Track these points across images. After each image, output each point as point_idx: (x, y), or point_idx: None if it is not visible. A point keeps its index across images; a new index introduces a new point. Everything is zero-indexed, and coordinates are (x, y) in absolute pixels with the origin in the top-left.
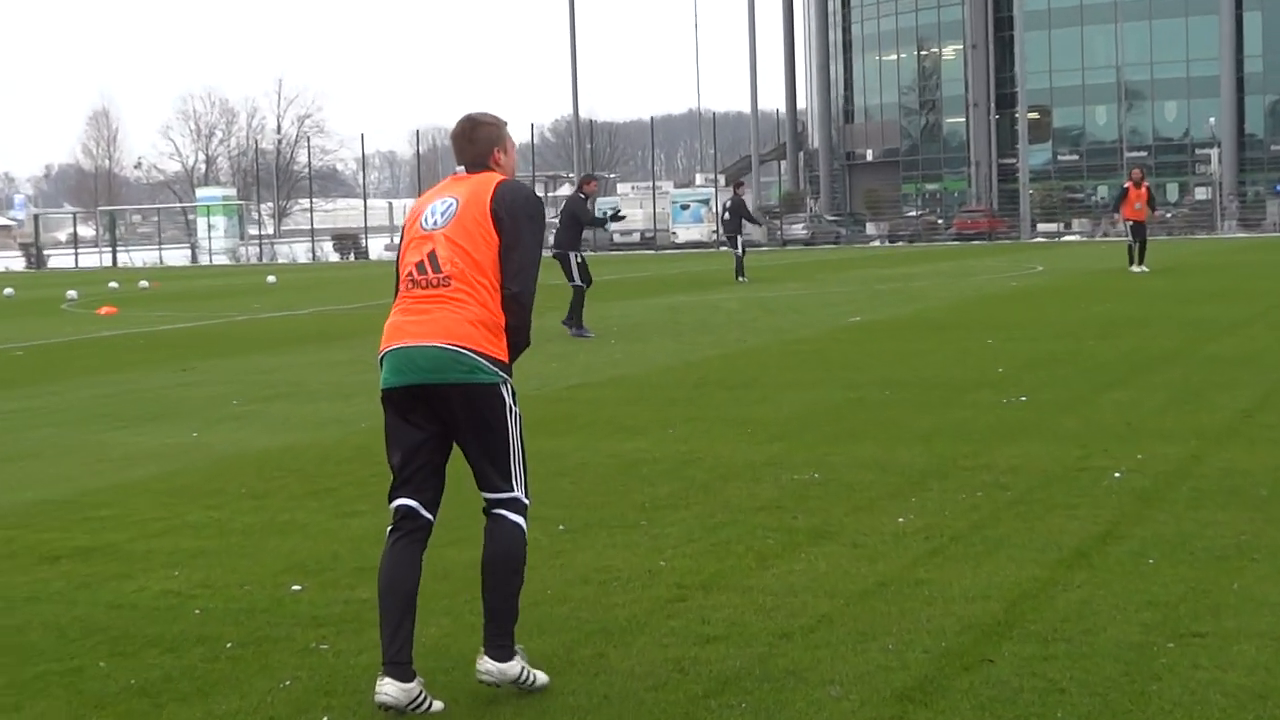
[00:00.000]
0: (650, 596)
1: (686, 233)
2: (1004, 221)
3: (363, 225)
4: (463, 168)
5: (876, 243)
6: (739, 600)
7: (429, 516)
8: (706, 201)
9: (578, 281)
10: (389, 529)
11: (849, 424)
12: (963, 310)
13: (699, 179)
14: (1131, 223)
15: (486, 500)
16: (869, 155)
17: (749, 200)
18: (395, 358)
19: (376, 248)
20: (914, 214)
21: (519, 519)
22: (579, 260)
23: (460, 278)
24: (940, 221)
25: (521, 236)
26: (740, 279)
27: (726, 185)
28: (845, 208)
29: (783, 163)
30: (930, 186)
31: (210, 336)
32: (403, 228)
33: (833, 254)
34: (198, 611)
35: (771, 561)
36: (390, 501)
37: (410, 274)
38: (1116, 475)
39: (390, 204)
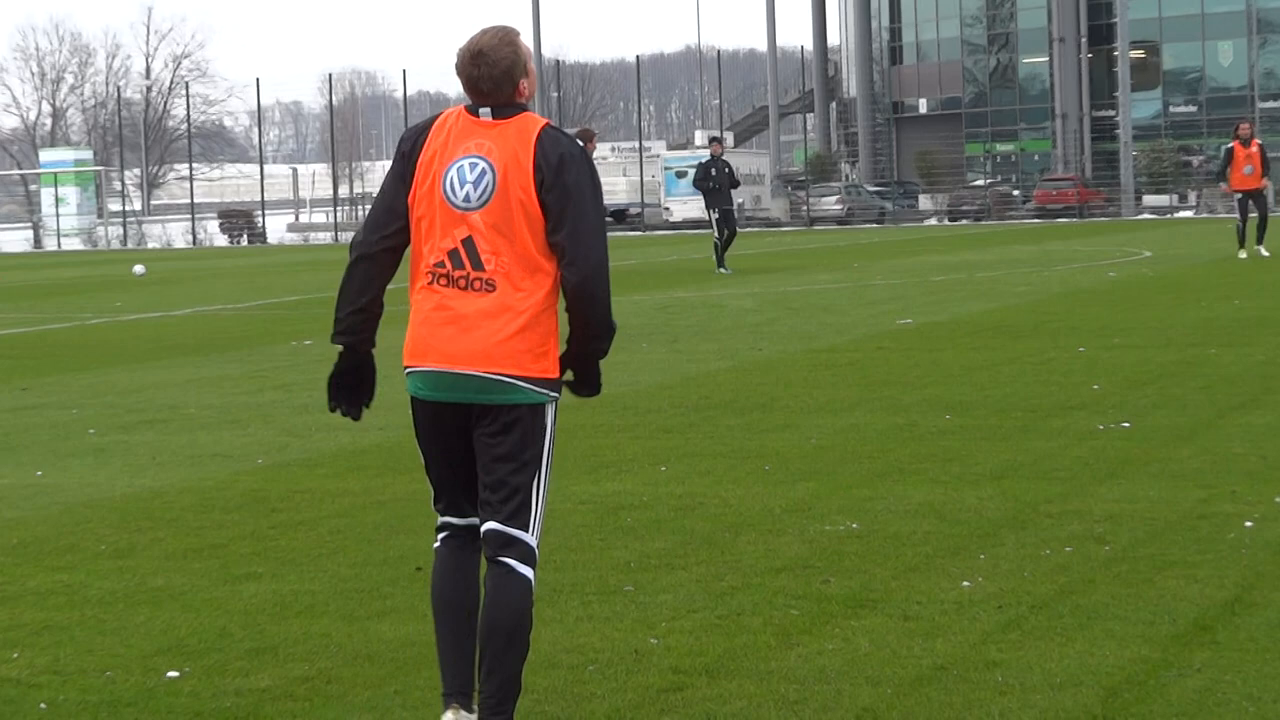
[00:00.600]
0: (638, 685)
1: (684, 208)
2: (1099, 193)
3: (258, 199)
4: (487, 110)
5: (932, 220)
6: (754, 690)
7: (474, 521)
8: None
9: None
10: (438, 539)
11: (896, 458)
12: (1046, 309)
13: (699, 138)
14: (1240, 194)
15: (489, 536)
16: (922, 107)
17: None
18: (426, 379)
19: (277, 228)
20: (981, 183)
21: (528, 572)
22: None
23: (507, 275)
24: (1016, 193)
25: (578, 205)
26: (721, 269)
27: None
28: (891, 175)
29: (809, 117)
30: (1003, 147)
31: (57, 345)
32: (404, 173)
33: (875, 236)
34: (43, 705)
35: (796, 639)
36: (438, 514)
37: (441, 263)
38: (1248, 524)
39: (295, 171)
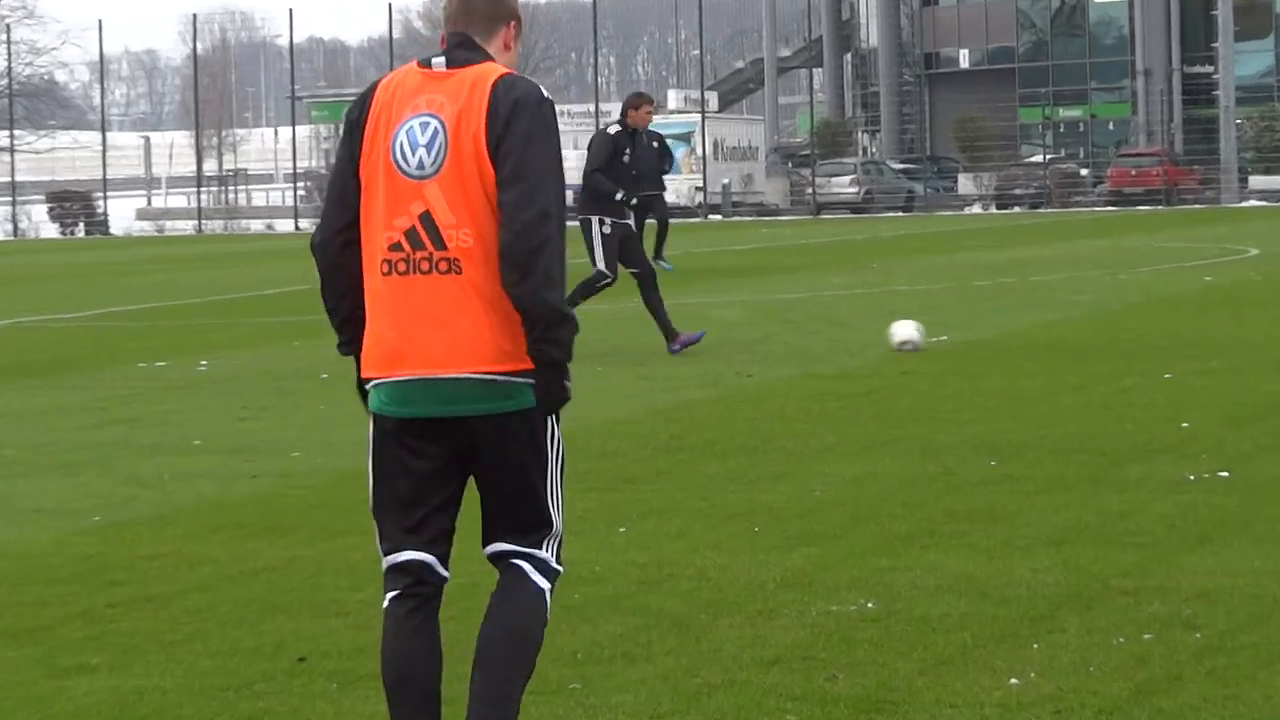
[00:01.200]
0: None
1: None
2: (1192, 172)
3: (99, 177)
4: (441, 58)
5: (975, 208)
6: None
7: (443, 574)
8: (688, 137)
9: (601, 265)
10: (388, 596)
11: (926, 517)
12: (1121, 323)
13: (673, 98)
14: None
15: (497, 555)
16: (963, 60)
17: (702, 139)
18: (404, 392)
19: (123, 215)
20: (1039, 159)
21: (544, 583)
22: (604, 230)
23: (470, 254)
24: (1084, 172)
25: (528, 155)
26: (660, 261)
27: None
28: (923, 149)
29: (816, 73)
30: (1068, 113)
31: None
32: (352, 148)
33: (901, 227)
34: None
35: None
36: (387, 556)
37: (397, 245)
38: None
39: (147, 141)
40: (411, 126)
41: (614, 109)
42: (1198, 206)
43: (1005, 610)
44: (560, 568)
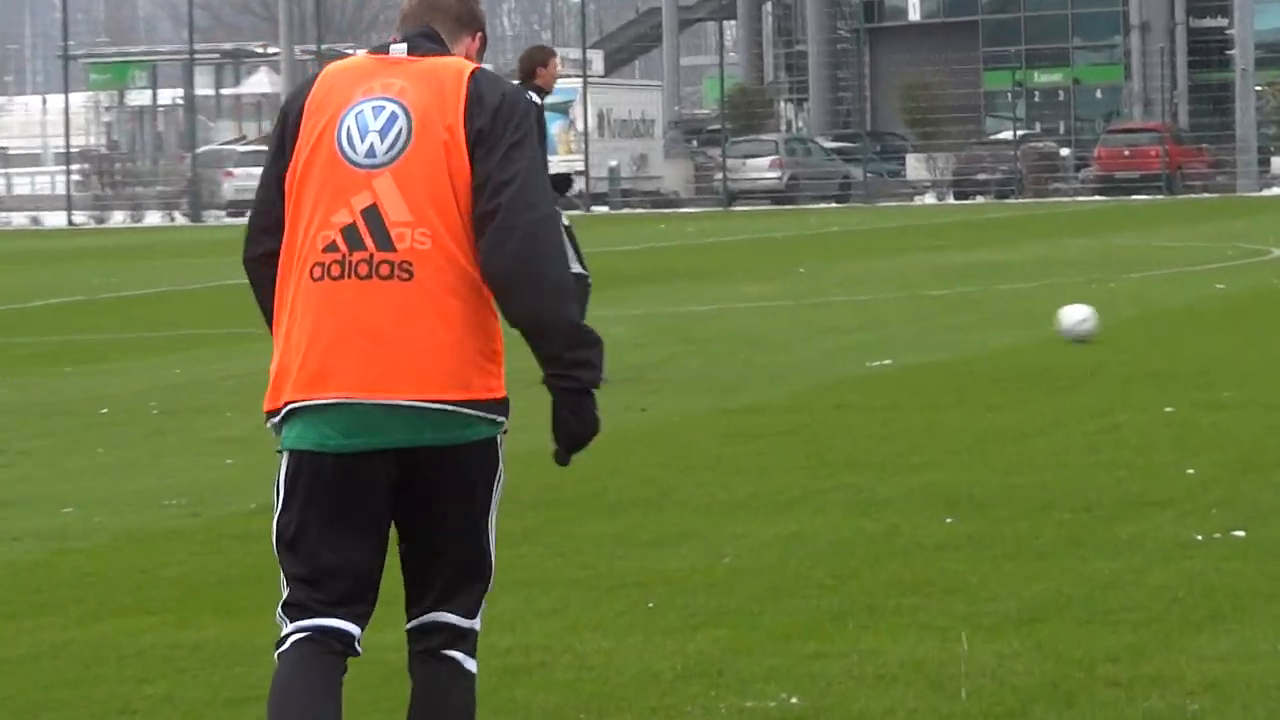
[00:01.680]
0: None
1: None
2: (1200, 152)
3: None
4: (402, 45)
5: (928, 197)
6: None
7: (359, 650)
8: (565, 108)
9: (571, 265)
10: (291, 639)
11: (865, 589)
12: (1111, 344)
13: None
14: None
15: (430, 628)
16: (913, 12)
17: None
18: (330, 420)
19: None
20: (1008, 136)
21: (472, 665)
22: (564, 221)
23: (428, 258)
24: (1065, 152)
25: (524, 164)
26: None
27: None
28: (862, 123)
29: (728, 26)
30: (1045, 78)
31: None
32: (282, 147)
33: (835, 221)
34: None
35: None
36: (294, 620)
37: (333, 245)
38: None
39: None
40: (361, 110)
41: None
42: (1207, 196)
43: (964, 707)
44: (480, 629)
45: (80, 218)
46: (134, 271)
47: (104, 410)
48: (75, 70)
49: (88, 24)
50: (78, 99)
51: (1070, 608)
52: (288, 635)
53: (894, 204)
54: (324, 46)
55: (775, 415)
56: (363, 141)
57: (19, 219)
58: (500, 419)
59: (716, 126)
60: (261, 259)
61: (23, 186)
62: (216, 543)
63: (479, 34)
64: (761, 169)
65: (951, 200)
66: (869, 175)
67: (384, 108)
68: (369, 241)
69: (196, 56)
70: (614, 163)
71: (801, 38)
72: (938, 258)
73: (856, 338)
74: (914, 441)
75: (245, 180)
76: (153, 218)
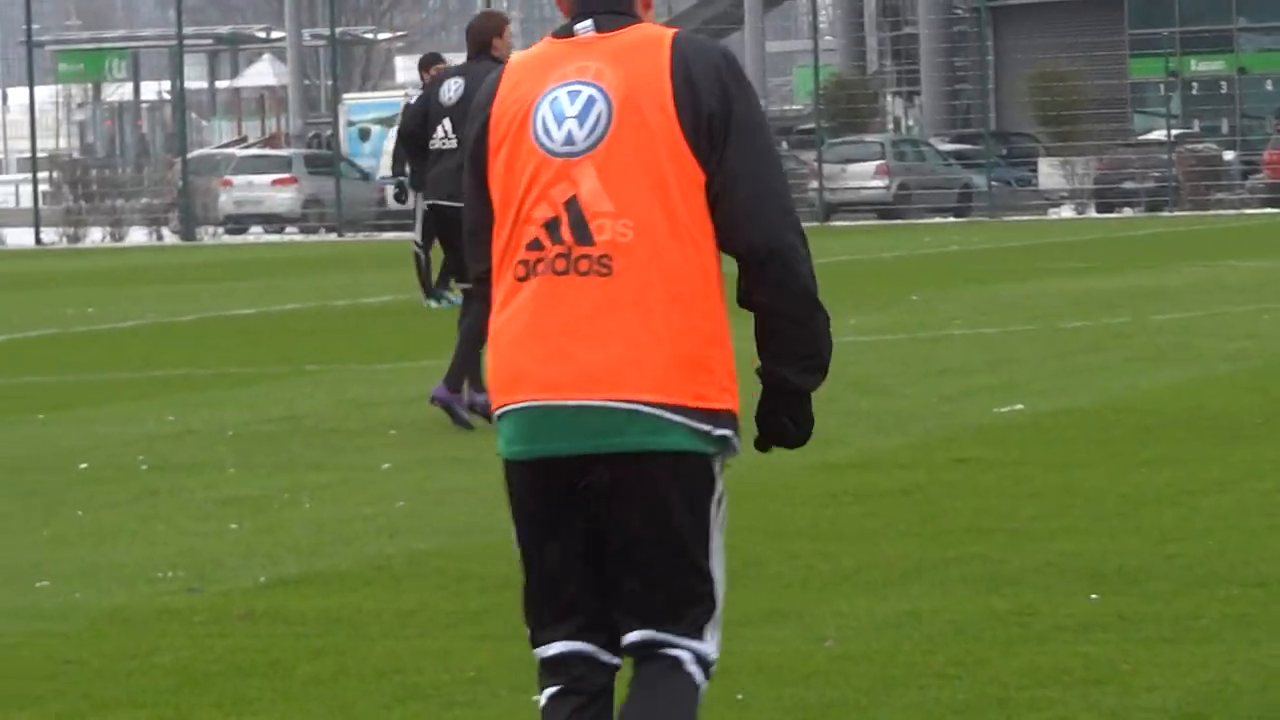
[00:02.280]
0: None
1: None
2: None
3: None
4: (587, 21)
5: (1065, 210)
6: None
7: (611, 662)
8: None
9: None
10: (545, 693)
11: (994, 678)
12: None
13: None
14: None
15: (638, 645)
16: None
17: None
18: (525, 421)
19: None
20: (1159, 136)
21: (701, 678)
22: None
23: (631, 253)
24: (1229, 156)
25: (753, 141)
26: (433, 299)
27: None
28: (985, 121)
29: (826, 4)
30: (1205, 66)
31: None
32: (476, 146)
33: (954, 237)
34: None
35: None
36: (536, 648)
37: (535, 242)
38: None
39: None
40: (556, 97)
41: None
42: None
43: None
44: (716, 657)
45: (50, 235)
46: (115, 300)
47: (83, 465)
48: (41, 59)
49: (55, 4)
50: (44, 94)
51: (1240, 701)
52: (541, 687)
53: (1024, 218)
54: (339, 31)
55: (885, 472)
56: (560, 129)
57: None
58: (707, 429)
59: (810, 125)
60: (486, 277)
61: None
62: (219, 623)
63: None
64: (865, 176)
65: (1093, 214)
66: (994, 184)
67: (580, 92)
68: (567, 236)
69: (186, 43)
70: None
71: (912, 18)
72: (1077, 283)
73: (981, 379)
74: (1050, 504)
75: (247, 191)
76: (136, 235)
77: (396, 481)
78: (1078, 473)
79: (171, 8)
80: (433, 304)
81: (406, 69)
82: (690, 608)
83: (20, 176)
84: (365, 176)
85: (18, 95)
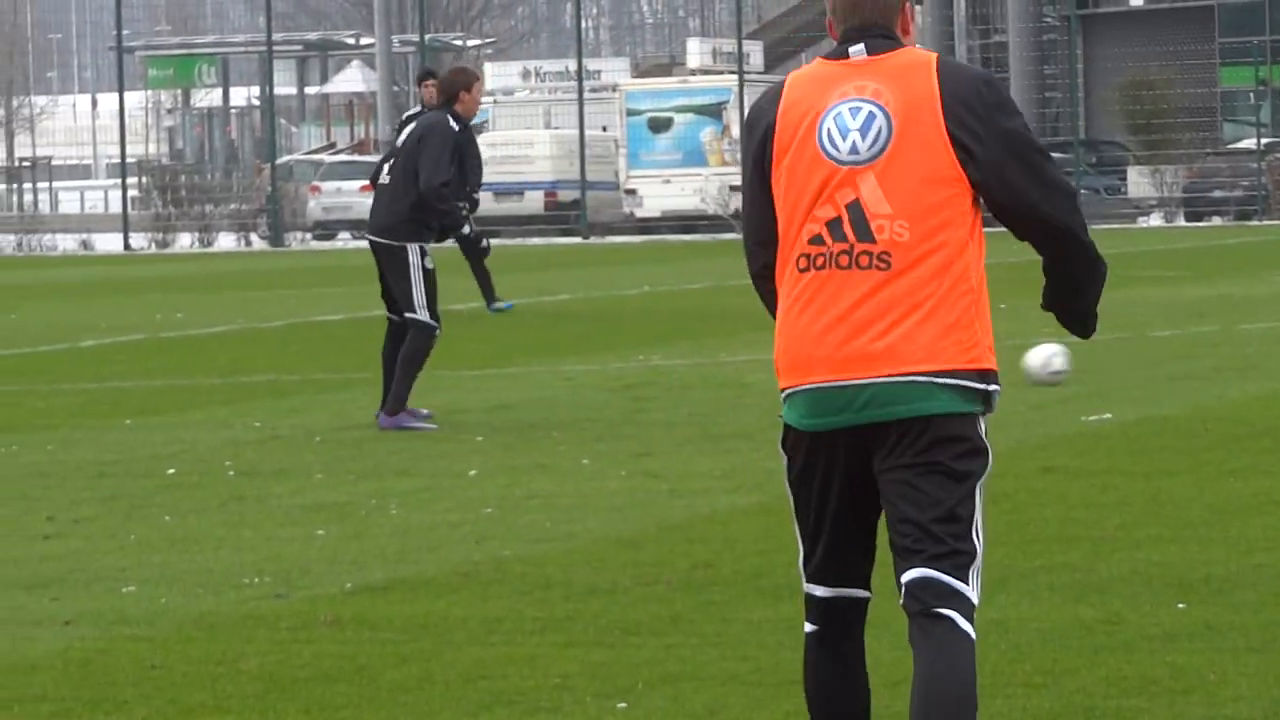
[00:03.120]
0: None
1: (665, 193)
2: None
3: None
4: (860, 45)
5: (1154, 218)
6: None
7: (862, 596)
8: (718, 110)
9: (423, 313)
10: (807, 626)
11: (1081, 688)
12: None
13: (695, 51)
14: None
15: (915, 585)
16: None
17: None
18: (816, 399)
19: None
20: (1250, 145)
21: (969, 628)
22: (427, 264)
23: (905, 251)
24: None
25: (1029, 153)
26: (495, 305)
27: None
28: (1074, 128)
29: (916, 11)
30: None
31: None
32: (757, 152)
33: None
34: None
35: None
36: (806, 583)
37: (818, 238)
38: None
39: None
40: (840, 112)
41: (607, 66)
42: None
43: None
44: (978, 601)
45: (139, 240)
46: (203, 305)
47: (170, 471)
48: (131, 65)
49: (146, 10)
50: (134, 99)
51: None
52: (806, 618)
53: (1113, 226)
54: (428, 38)
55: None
56: (844, 140)
57: (66, 242)
58: (975, 386)
59: None
60: (763, 273)
61: (70, 203)
62: (306, 629)
63: (906, 3)
64: None
65: (1182, 222)
66: (1083, 192)
67: (861, 109)
68: (850, 233)
69: (275, 49)
70: None
71: (1001, 26)
72: (1166, 291)
73: (1069, 388)
74: (1138, 513)
75: (335, 197)
76: (225, 241)
77: (482, 488)
78: (1165, 482)
79: (261, 14)
80: (500, 305)
81: (495, 76)
82: (958, 556)
83: (110, 182)
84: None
85: (108, 101)
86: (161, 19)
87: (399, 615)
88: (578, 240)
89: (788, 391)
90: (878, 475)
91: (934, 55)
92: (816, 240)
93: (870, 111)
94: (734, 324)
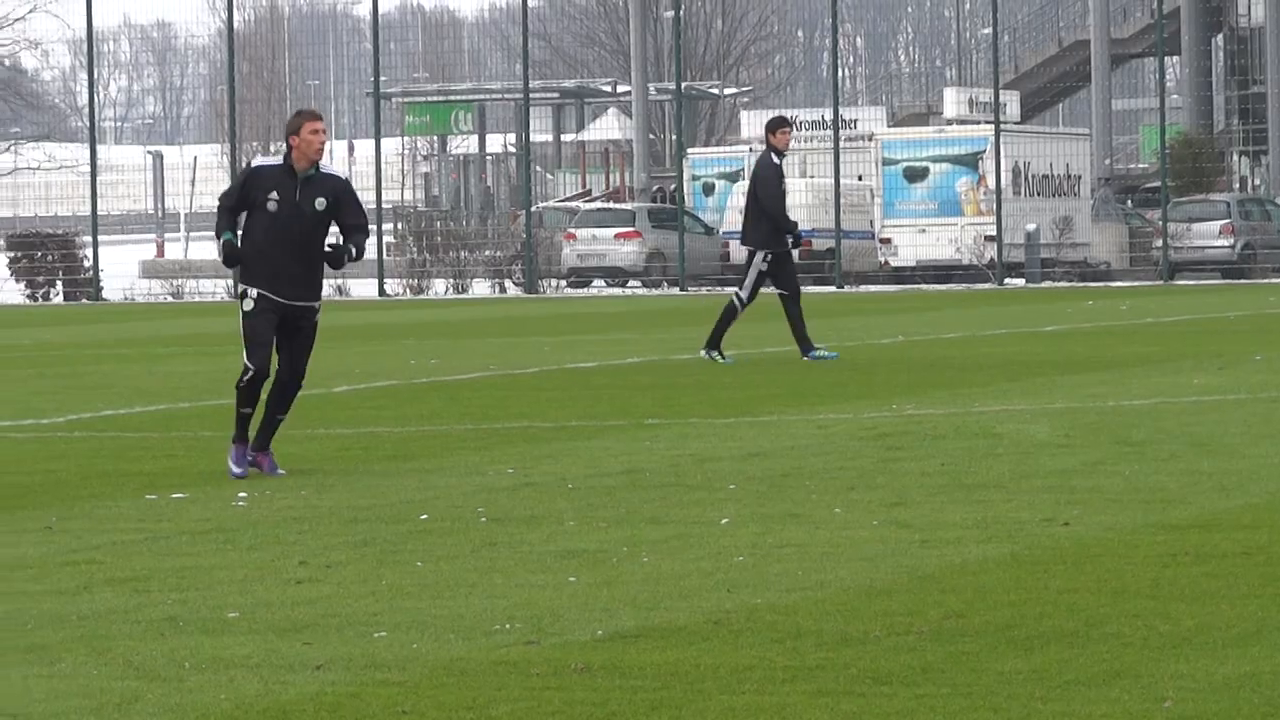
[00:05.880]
0: None
1: (920, 242)
2: None
3: (87, 212)
4: None
5: None
6: None
7: None
8: (974, 160)
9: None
10: None
11: None
12: None
13: (952, 101)
14: None
15: None
16: None
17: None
18: None
19: (122, 269)
20: None
21: None
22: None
23: None
24: None
25: None
26: (713, 354)
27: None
28: None
29: (1173, 62)
30: None
31: None
32: None
33: None
34: None
35: None
36: None
37: None
38: None
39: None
40: None
41: (864, 115)
42: None
43: None
44: None
45: (394, 286)
46: (458, 351)
47: (423, 516)
48: (388, 112)
49: (403, 58)
50: (391, 146)
51: None
52: None
53: None
54: (684, 85)
55: (1227, 533)
56: None
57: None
58: None
59: (1155, 184)
60: None
61: None
62: (557, 676)
63: None
64: (1210, 236)
65: None
66: None
67: None
68: None
69: (532, 96)
70: (1032, 227)
71: (1260, 77)
72: None
73: None
74: None
75: (590, 244)
76: (480, 287)
77: (734, 536)
78: None
79: (518, 61)
80: (715, 356)
81: (751, 124)
82: None
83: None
84: (708, 231)
85: (364, 147)
86: (419, 66)
87: (650, 663)
88: (832, 289)
89: None
90: None
91: None
92: None
93: None
94: (989, 374)
